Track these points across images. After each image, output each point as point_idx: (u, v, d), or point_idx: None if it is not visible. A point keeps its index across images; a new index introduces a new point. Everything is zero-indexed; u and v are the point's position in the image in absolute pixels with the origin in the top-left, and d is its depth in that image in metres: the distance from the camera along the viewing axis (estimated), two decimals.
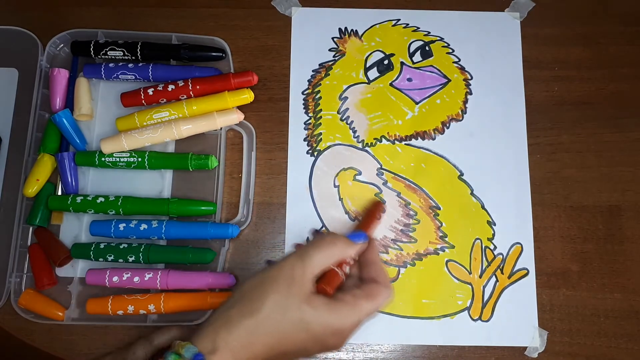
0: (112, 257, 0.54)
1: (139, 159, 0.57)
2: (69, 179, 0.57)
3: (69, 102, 0.59)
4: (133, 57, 0.59)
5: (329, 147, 0.60)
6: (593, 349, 0.56)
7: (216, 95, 0.58)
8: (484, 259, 0.57)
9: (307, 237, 0.58)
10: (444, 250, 0.58)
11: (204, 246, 0.56)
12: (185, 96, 0.58)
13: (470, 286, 0.57)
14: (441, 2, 0.63)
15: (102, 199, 0.56)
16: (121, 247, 0.55)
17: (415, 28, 0.63)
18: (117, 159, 0.57)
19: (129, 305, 0.53)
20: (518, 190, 0.59)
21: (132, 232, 0.55)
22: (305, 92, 0.61)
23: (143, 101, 0.58)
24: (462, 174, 0.59)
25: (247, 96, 0.58)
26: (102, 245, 0.55)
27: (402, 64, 0.62)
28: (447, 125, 0.60)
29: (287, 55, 0.62)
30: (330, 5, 0.63)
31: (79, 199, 0.56)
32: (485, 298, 0.57)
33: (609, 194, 0.59)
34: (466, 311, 0.56)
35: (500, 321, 0.56)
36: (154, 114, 0.57)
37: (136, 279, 0.54)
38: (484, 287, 0.57)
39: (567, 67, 0.62)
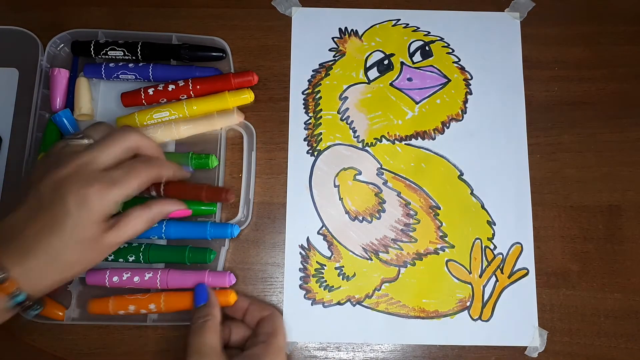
0: (112, 257, 0.54)
1: None
2: None
3: (69, 102, 0.59)
4: (133, 57, 0.59)
5: (329, 147, 0.60)
6: (593, 349, 0.56)
7: (216, 95, 0.58)
8: (484, 258, 0.57)
9: (307, 237, 0.58)
10: (444, 250, 0.58)
11: (204, 246, 0.56)
12: (185, 96, 0.58)
13: (470, 286, 0.57)
14: (441, 2, 0.63)
15: None
16: (121, 246, 0.55)
17: (415, 28, 0.63)
18: None
19: (130, 305, 0.53)
20: (518, 190, 0.59)
21: None
22: (305, 92, 0.61)
23: (143, 101, 0.58)
24: (462, 174, 0.59)
25: (248, 96, 0.58)
26: None
27: (402, 63, 0.62)
28: (447, 125, 0.60)
29: (287, 55, 0.62)
30: (330, 5, 0.63)
31: None
32: (485, 298, 0.57)
33: (609, 194, 0.59)
34: (466, 311, 0.56)
35: (500, 321, 0.56)
36: (154, 113, 0.57)
37: (136, 278, 0.54)
38: (484, 286, 0.57)
39: (567, 67, 0.62)
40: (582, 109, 0.61)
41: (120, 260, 0.55)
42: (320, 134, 0.60)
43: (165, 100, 0.59)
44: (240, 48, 0.62)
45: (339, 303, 0.56)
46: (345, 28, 0.63)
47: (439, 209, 0.58)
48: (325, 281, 0.57)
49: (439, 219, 0.58)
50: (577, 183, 0.59)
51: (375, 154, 0.60)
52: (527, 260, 0.57)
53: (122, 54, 0.59)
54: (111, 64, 0.59)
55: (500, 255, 0.58)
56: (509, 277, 0.57)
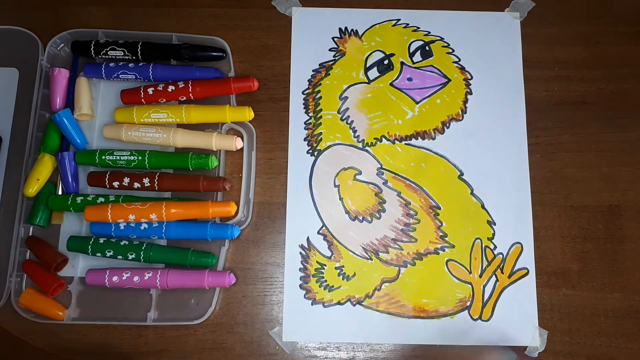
0: (111, 253, 0.54)
1: (139, 158, 0.57)
2: (69, 179, 0.57)
3: (69, 101, 0.59)
4: (133, 57, 0.59)
5: (329, 146, 0.60)
6: (593, 348, 0.56)
7: (216, 108, 0.58)
8: (484, 258, 0.57)
9: (308, 237, 0.58)
10: (444, 250, 0.58)
11: (203, 245, 0.56)
12: (184, 97, 0.58)
13: (470, 286, 0.57)
14: (441, 2, 0.63)
15: (102, 199, 0.56)
16: (121, 243, 0.55)
17: (415, 28, 0.63)
18: (118, 158, 0.57)
19: (130, 215, 0.53)
20: (518, 190, 0.59)
21: (133, 232, 0.55)
22: (305, 92, 0.61)
23: (143, 100, 0.58)
24: (462, 174, 0.59)
25: (247, 115, 0.58)
26: (101, 241, 0.55)
27: (402, 63, 0.62)
28: (447, 125, 0.60)
29: (288, 55, 0.62)
30: (330, 5, 0.63)
31: (79, 198, 0.56)
32: (486, 298, 0.57)
33: (609, 194, 0.59)
34: (466, 311, 0.56)
35: (500, 321, 0.56)
36: (152, 112, 0.57)
37: (136, 278, 0.54)
38: (484, 286, 0.57)
39: (567, 67, 0.62)
40: (582, 109, 0.61)
41: (120, 257, 0.55)
42: (320, 133, 0.60)
43: (164, 100, 0.59)
44: (241, 48, 0.62)
45: (339, 303, 0.56)
46: (345, 28, 0.63)
47: (439, 208, 0.58)
48: (326, 281, 0.57)
49: (439, 219, 0.58)
50: (577, 183, 0.59)
51: (375, 153, 0.60)
52: (527, 260, 0.57)
53: (122, 53, 0.59)
54: (111, 64, 0.59)
55: (500, 255, 0.58)
56: (509, 277, 0.57)
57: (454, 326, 0.56)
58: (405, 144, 0.60)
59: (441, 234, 0.58)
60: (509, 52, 0.62)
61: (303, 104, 0.61)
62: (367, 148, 0.60)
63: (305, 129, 0.60)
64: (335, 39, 0.62)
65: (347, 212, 0.58)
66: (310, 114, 0.61)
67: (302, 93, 0.61)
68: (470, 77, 0.62)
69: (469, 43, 0.62)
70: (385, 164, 0.59)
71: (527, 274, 0.57)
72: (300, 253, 0.57)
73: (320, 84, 0.61)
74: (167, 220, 0.55)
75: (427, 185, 0.59)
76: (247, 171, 0.58)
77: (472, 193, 0.59)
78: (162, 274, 0.54)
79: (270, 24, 0.63)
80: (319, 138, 0.60)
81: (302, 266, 0.57)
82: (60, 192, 0.58)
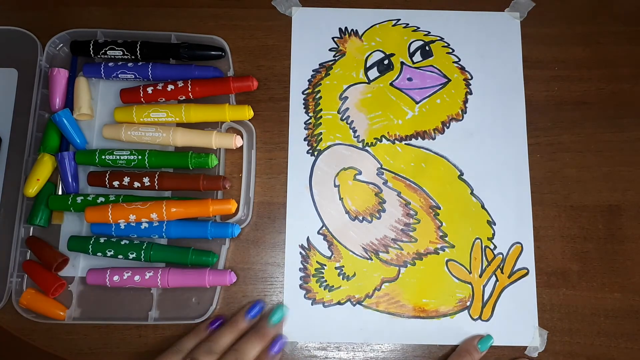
0: (112, 253, 0.54)
1: (139, 157, 0.57)
2: (69, 179, 0.57)
3: (69, 101, 0.59)
4: (132, 57, 0.59)
5: (329, 146, 0.60)
6: (593, 348, 0.56)
7: (216, 107, 0.58)
8: (484, 258, 0.58)
9: (308, 237, 0.58)
10: (444, 250, 0.58)
11: (204, 244, 0.56)
12: (184, 97, 0.58)
13: (470, 286, 0.57)
14: (441, 2, 0.63)
15: (103, 199, 0.56)
16: (122, 243, 0.55)
17: (415, 28, 0.63)
18: (117, 157, 0.57)
19: (130, 215, 0.53)
20: (518, 190, 0.59)
21: (133, 231, 0.55)
22: (305, 92, 0.61)
23: (142, 99, 0.58)
24: (462, 174, 0.59)
25: (247, 113, 0.58)
26: (101, 240, 0.55)
27: (402, 63, 0.62)
28: (447, 125, 0.60)
29: (287, 55, 0.62)
30: (330, 5, 0.63)
31: (79, 198, 0.56)
32: (485, 298, 0.57)
33: (609, 194, 0.59)
34: (466, 311, 0.56)
35: (500, 321, 0.56)
36: (152, 112, 0.57)
37: (137, 277, 0.54)
38: (484, 286, 0.57)
39: (567, 67, 0.62)
40: (582, 109, 0.61)
41: (120, 257, 0.55)
42: (321, 133, 0.60)
43: (163, 99, 0.59)
44: (241, 48, 0.62)
45: (339, 303, 0.56)
46: (345, 28, 0.63)
47: (439, 208, 0.58)
48: (326, 281, 0.57)
49: (439, 219, 0.58)
50: (577, 183, 0.59)
51: (376, 153, 0.60)
52: (527, 260, 0.57)
53: (121, 53, 0.59)
54: (110, 64, 0.59)
55: (500, 255, 0.58)
56: (509, 277, 0.57)
57: (454, 326, 0.56)
58: (405, 144, 0.60)
59: (441, 234, 0.58)
60: (509, 52, 0.62)
61: (303, 104, 0.61)
62: (367, 148, 0.60)
63: (305, 129, 0.60)
64: (335, 39, 0.62)
65: (347, 212, 0.58)
66: (310, 114, 0.61)
67: (302, 93, 0.61)
68: (470, 77, 0.61)
69: (469, 43, 0.62)
70: (385, 164, 0.59)
71: (527, 274, 0.57)
72: (300, 253, 0.57)
73: (320, 84, 0.61)
74: (168, 220, 0.55)
75: (427, 185, 0.59)
76: (247, 170, 0.58)
77: (472, 193, 0.59)
78: (162, 273, 0.54)
79: (270, 23, 0.63)
80: (319, 138, 0.60)
81: (302, 266, 0.57)
82: (60, 192, 0.58)
